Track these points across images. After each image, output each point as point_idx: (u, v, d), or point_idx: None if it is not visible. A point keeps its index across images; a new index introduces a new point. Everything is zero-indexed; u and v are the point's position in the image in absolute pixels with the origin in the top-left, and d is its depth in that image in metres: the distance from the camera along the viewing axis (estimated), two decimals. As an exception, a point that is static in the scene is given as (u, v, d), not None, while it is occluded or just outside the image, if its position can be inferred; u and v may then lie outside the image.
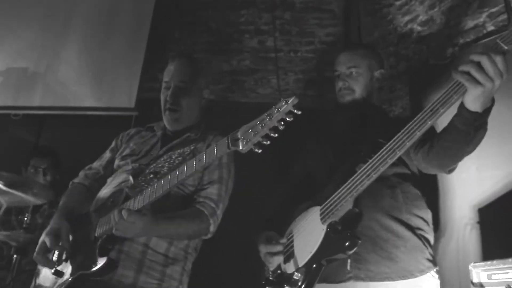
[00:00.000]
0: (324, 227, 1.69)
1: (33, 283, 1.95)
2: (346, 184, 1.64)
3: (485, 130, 1.54)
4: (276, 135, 1.30)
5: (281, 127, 1.29)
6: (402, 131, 1.52)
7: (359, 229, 1.67)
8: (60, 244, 1.80)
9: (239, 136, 1.34)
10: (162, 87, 2.11)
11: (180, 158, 1.90)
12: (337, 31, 4.01)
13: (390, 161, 1.53)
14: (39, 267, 1.95)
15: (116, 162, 2.11)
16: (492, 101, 1.47)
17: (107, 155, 2.21)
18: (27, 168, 3.23)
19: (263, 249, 1.88)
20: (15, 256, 2.48)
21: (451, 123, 1.56)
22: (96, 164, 2.20)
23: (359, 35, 3.86)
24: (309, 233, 1.77)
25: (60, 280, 1.78)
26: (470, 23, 2.80)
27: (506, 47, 1.37)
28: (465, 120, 1.49)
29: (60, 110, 3.76)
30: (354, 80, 2.08)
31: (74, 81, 3.85)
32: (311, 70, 4.00)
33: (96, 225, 1.80)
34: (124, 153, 2.11)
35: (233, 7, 4.17)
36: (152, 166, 1.91)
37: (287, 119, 1.28)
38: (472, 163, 2.58)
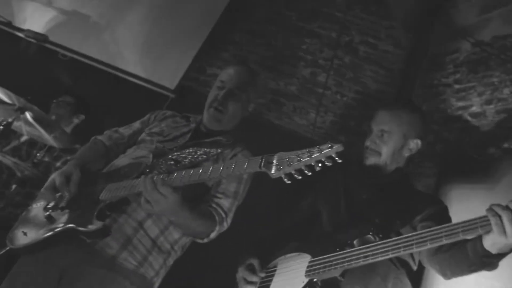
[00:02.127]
0: (306, 280, 1.69)
1: (22, 215, 1.94)
2: (342, 253, 1.64)
3: (493, 268, 1.54)
4: (310, 173, 1.29)
5: (317, 168, 1.28)
6: (414, 234, 1.50)
7: None
8: (68, 188, 1.79)
9: (274, 160, 1.33)
10: (216, 85, 2.13)
11: (204, 156, 1.90)
12: (389, 90, 4.01)
13: (391, 256, 1.53)
14: (34, 205, 1.95)
15: (143, 135, 2.12)
16: (510, 250, 1.46)
17: (136, 125, 2.22)
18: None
19: (241, 273, 1.91)
20: (14, 186, 2.51)
21: (463, 244, 1.55)
22: (122, 130, 2.21)
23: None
24: (290, 278, 1.78)
25: (50, 226, 1.77)
26: (521, 131, 2.79)
27: None
28: (476, 252, 1.50)
29: (104, 66, 3.82)
30: (383, 143, 2.00)
31: (128, 44, 3.93)
32: (350, 118, 4.00)
33: (103, 188, 1.79)
34: (153, 130, 2.12)
35: (299, 33, 4.21)
36: (175, 154, 1.91)
37: (326, 163, 1.27)
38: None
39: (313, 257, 1.74)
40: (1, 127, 2.14)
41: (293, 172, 1.29)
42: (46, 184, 1.84)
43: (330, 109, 4.03)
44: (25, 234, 1.80)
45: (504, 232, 1.36)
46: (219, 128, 2.09)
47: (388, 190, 1.97)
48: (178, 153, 1.90)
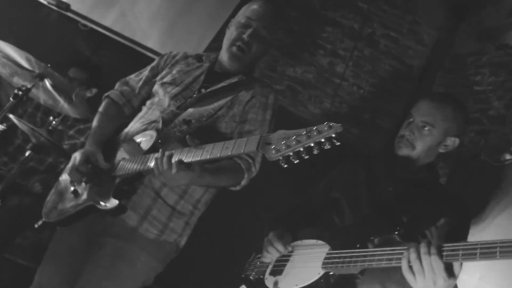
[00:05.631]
0: (321, 272, 1.65)
1: (52, 191, 1.99)
2: (364, 251, 1.58)
3: None
4: (307, 157, 1.22)
5: (315, 151, 1.21)
6: (446, 245, 1.41)
7: None
8: (84, 168, 1.82)
9: (271, 141, 1.28)
10: (239, 21, 1.97)
11: (209, 114, 1.83)
12: (406, 87, 3.97)
13: None
14: (63, 176, 1.98)
15: (155, 87, 2.04)
16: None
17: (146, 73, 2.14)
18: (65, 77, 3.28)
19: (271, 236, 1.87)
20: (28, 151, 2.53)
21: None
22: (133, 81, 2.15)
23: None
24: (305, 266, 1.74)
25: (75, 201, 1.82)
26: (538, 139, 2.75)
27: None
28: None
29: (124, 39, 3.81)
30: (421, 137, 1.87)
31: (149, 19, 3.90)
32: (364, 111, 3.98)
33: (119, 162, 1.80)
34: (164, 79, 2.03)
35: (321, 21, 4.16)
36: (184, 114, 1.85)
37: (324, 146, 1.20)
38: (477, 269, 2.53)
39: (332, 248, 1.70)
40: (20, 92, 2.14)
41: (290, 154, 1.23)
42: (71, 163, 1.86)
43: (345, 101, 4.00)
44: (55, 208, 1.87)
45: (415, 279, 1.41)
46: (237, 68, 1.96)
47: (416, 186, 1.90)
48: (191, 113, 1.82)
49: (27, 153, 2.52)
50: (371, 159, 2.11)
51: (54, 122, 2.72)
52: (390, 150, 1.99)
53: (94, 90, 3.36)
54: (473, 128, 3.29)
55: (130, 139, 1.89)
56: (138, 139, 1.84)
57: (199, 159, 1.49)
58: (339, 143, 1.20)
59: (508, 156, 2.80)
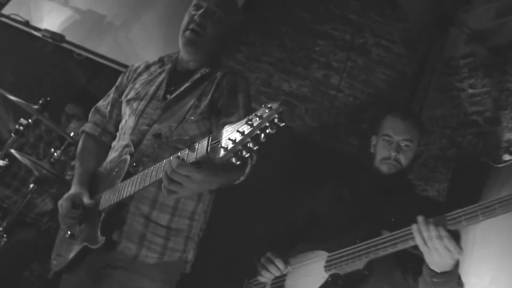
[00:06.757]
0: (326, 275, 1.67)
1: (58, 235, 1.99)
2: (367, 242, 1.62)
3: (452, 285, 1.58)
4: (257, 147, 1.16)
5: (262, 137, 1.14)
6: (447, 214, 1.48)
7: None
8: (72, 213, 1.80)
9: (219, 139, 1.21)
10: (192, 6, 1.93)
11: (178, 120, 1.77)
12: (402, 94, 4.01)
13: None
14: (62, 225, 1.97)
15: (122, 106, 1.97)
16: (454, 266, 1.52)
17: (112, 95, 2.06)
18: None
19: (270, 255, 1.89)
20: (32, 185, 2.54)
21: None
22: (102, 107, 2.08)
23: (421, 106, 3.84)
24: (306, 275, 1.75)
25: (73, 245, 1.82)
26: (536, 139, 2.77)
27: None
28: (427, 274, 1.56)
29: (119, 66, 3.84)
30: (405, 154, 2.01)
31: (143, 44, 3.94)
32: (362, 121, 4.00)
33: (101, 197, 1.76)
34: (129, 96, 1.93)
35: (313, 34, 4.21)
36: (151, 129, 1.79)
37: (269, 130, 1.13)
38: (487, 272, 2.53)
39: (329, 252, 1.72)
40: (22, 127, 2.17)
41: (239, 148, 1.16)
42: (59, 210, 1.84)
43: (342, 111, 4.03)
44: (59, 256, 1.86)
45: (429, 251, 1.46)
46: (194, 56, 1.89)
47: (394, 192, 1.98)
48: (159, 126, 1.77)
49: (30, 186, 2.52)
50: (351, 178, 2.17)
51: (55, 154, 2.73)
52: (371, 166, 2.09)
53: None
54: (471, 131, 3.31)
55: (109, 169, 1.85)
56: (116, 168, 1.80)
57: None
58: (283, 124, 1.14)
59: (508, 157, 2.82)
